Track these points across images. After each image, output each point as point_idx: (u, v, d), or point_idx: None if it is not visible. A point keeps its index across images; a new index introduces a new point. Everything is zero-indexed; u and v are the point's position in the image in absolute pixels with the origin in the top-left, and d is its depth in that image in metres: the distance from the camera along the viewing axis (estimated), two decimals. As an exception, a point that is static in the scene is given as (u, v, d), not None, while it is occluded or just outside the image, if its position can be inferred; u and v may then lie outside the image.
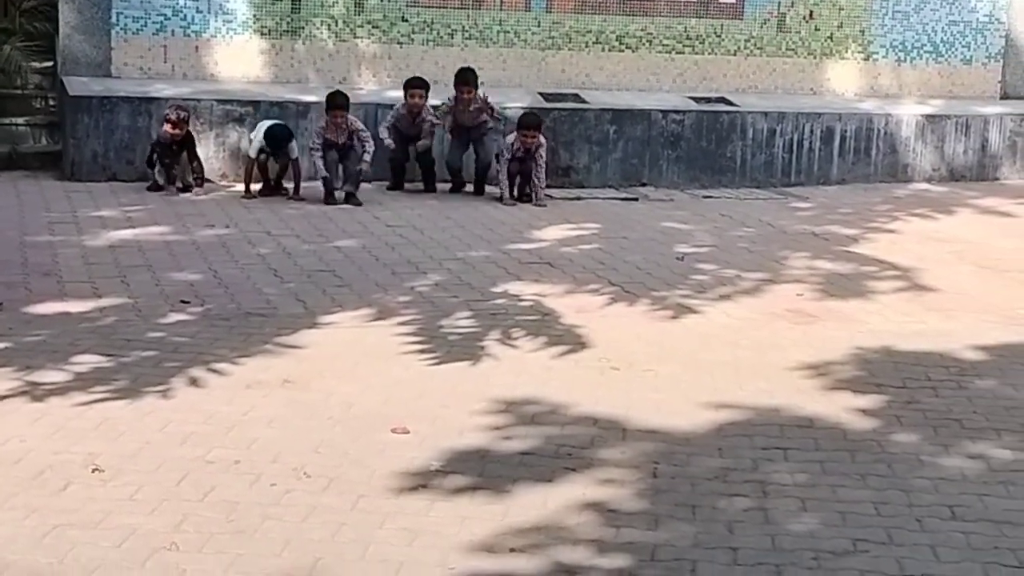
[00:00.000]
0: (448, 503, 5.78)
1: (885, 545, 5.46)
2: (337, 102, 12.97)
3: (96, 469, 5.97)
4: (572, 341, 8.38)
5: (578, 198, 13.79)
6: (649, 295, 9.69)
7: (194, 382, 7.32)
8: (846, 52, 16.30)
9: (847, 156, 15.32)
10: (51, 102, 14.75)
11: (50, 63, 14.97)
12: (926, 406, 7.34)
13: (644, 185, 14.71)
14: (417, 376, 7.59)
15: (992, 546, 5.49)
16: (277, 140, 12.87)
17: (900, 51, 16.49)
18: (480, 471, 6.15)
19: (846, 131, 15.26)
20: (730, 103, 15.38)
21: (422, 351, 8.05)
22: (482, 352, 8.07)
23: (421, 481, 6.00)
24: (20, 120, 14.36)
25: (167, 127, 12.81)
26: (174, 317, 8.64)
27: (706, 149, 14.87)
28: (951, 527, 5.68)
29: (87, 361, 7.60)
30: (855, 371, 7.97)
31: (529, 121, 13.43)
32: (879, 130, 15.41)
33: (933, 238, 12.57)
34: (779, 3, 15.98)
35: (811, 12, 16.09)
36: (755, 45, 16.00)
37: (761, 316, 9.26)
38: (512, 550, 5.30)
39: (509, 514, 5.65)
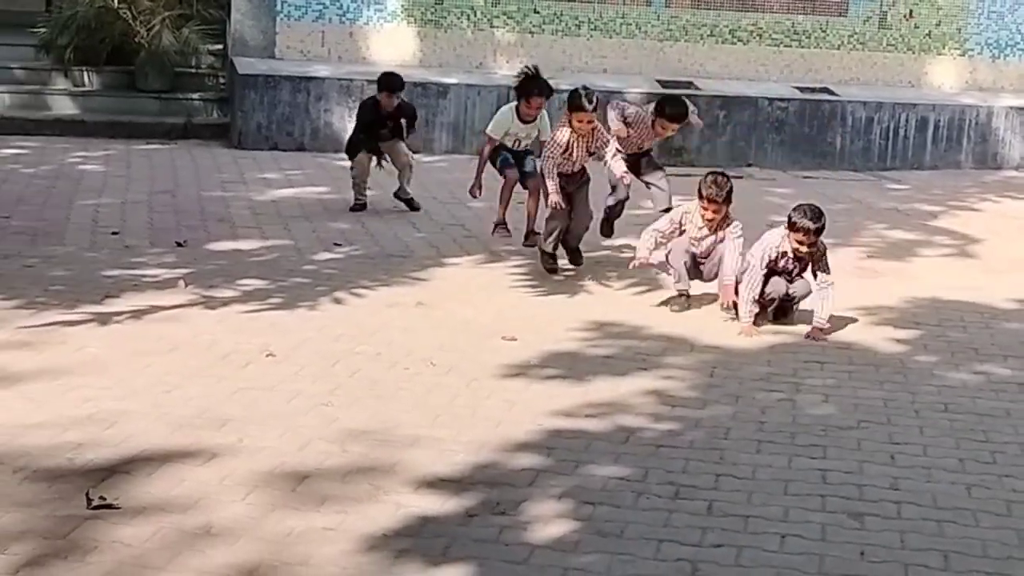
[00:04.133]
0: (541, 385, 7.34)
1: (883, 425, 6.92)
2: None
3: (269, 354, 7.62)
4: (659, 284, 9.85)
5: (688, 175, 15.18)
6: (736, 252, 11.12)
7: (343, 300, 8.96)
8: (944, 48, 17.51)
9: (940, 144, 16.58)
10: (222, 80, 16.58)
11: (221, 45, 16.83)
12: (952, 338, 8.73)
13: (750, 166, 16.08)
14: (525, 303, 9.17)
15: (969, 428, 6.92)
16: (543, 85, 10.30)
17: (995, 48, 17.64)
18: (569, 367, 7.69)
19: (939, 120, 16.52)
20: (832, 93, 16.70)
21: (532, 286, 9.60)
22: (581, 288, 9.59)
23: (521, 371, 7.57)
24: (194, 95, 16.22)
25: (381, 95, 11.93)
26: (327, 255, 10.31)
27: (808, 134, 16.24)
28: (941, 416, 7.11)
29: (254, 284, 9.27)
30: (900, 313, 9.36)
31: (811, 216, 8.63)
32: (971, 120, 16.66)
33: (1008, 216, 13.83)
34: (881, 2, 17.24)
35: (911, 11, 17.31)
36: (858, 40, 17.28)
37: (833, 271, 10.64)
38: (587, 416, 6.84)
39: (588, 395, 7.20)
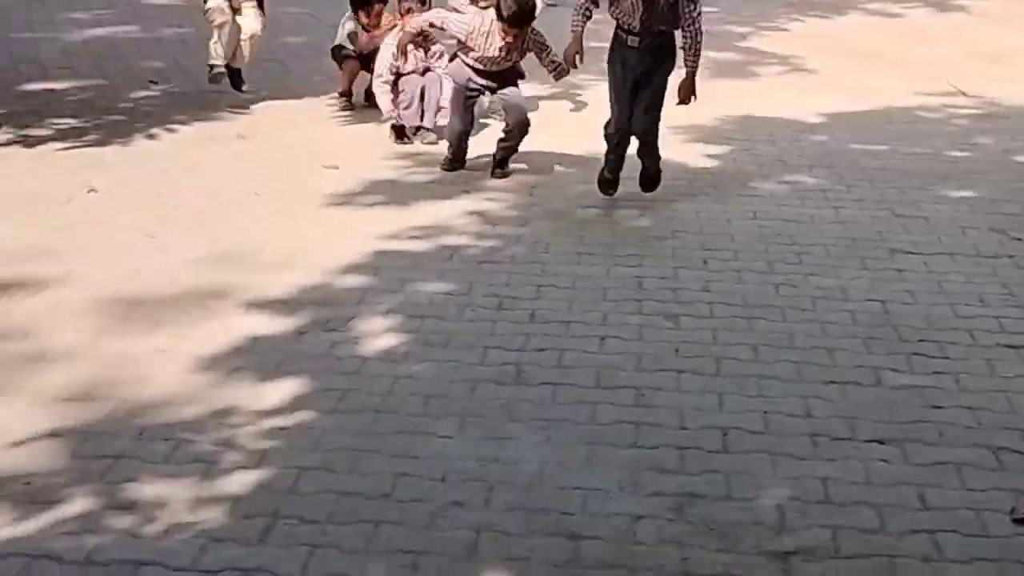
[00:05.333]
0: (366, 211, 7.47)
1: (696, 235, 7.20)
2: None
3: (92, 190, 7.62)
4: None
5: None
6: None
7: (163, 136, 8.94)
8: None
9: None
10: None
11: None
12: (762, 153, 9.04)
13: None
14: (343, 133, 9.25)
15: (776, 234, 7.23)
16: None
17: None
18: (391, 193, 7.82)
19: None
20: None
21: (349, 117, 9.65)
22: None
23: (345, 200, 7.67)
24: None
25: None
26: (143, 93, 10.22)
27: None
28: (751, 224, 7.41)
29: (70, 123, 9.20)
30: (712, 131, 9.63)
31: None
32: (777, -58, 16.89)
33: (817, 35, 14.17)
34: None
35: None
36: None
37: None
38: (411, 237, 7.00)
39: (411, 218, 7.34)
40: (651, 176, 7.83)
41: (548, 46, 8.14)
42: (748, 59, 12.61)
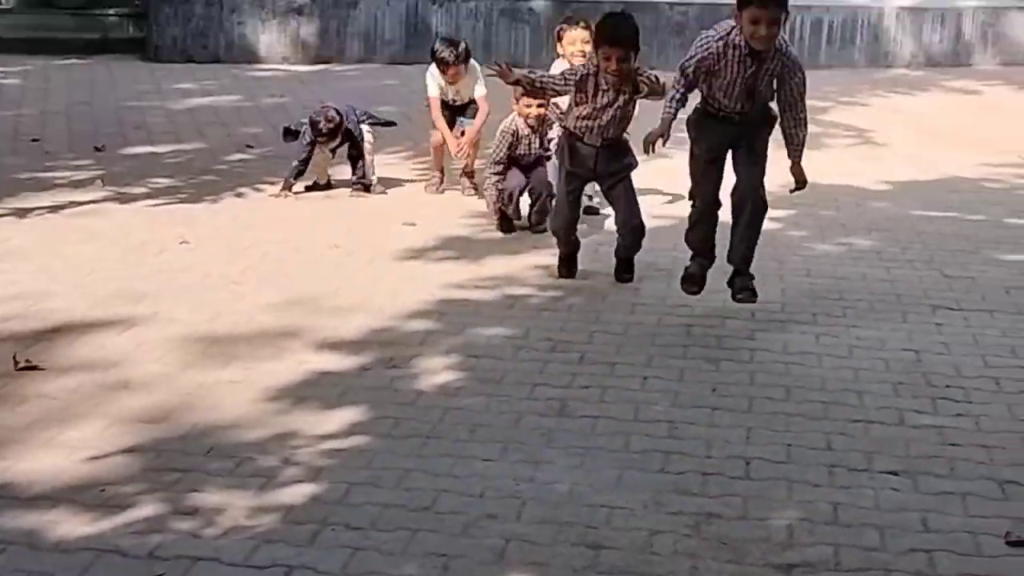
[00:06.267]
0: (437, 265, 7.94)
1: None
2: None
3: (184, 242, 8.17)
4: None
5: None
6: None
7: (253, 195, 9.51)
8: (834, -50, 18.11)
9: (834, 43, 17.23)
10: (136, -5, 16.95)
11: (135, -39, 17.17)
12: (823, 218, 9.38)
13: (653, 68, 16.57)
14: (425, 194, 9.73)
15: (826, 289, 7.58)
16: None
17: (884, -51, 18.28)
18: (464, 248, 8.28)
19: (832, 22, 17.16)
20: (730, -3, 17.24)
21: (427, 180, 10.16)
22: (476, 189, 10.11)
23: (419, 254, 8.15)
24: (110, 11, 16.57)
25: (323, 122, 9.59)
26: (239, 156, 10.83)
27: (708, 37, 16.75)
28: (802, 280, 7.78)
29: (165, 182, 9.80)
30: (778, 197, 9.91)
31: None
32: (863, 21, 17.30)
33: (895, 111, 14.52)
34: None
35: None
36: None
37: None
38: (476, 287, 7.44)
39: (479, 271, 7.79)
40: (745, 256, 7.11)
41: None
42: (823, 131, 12.93)
